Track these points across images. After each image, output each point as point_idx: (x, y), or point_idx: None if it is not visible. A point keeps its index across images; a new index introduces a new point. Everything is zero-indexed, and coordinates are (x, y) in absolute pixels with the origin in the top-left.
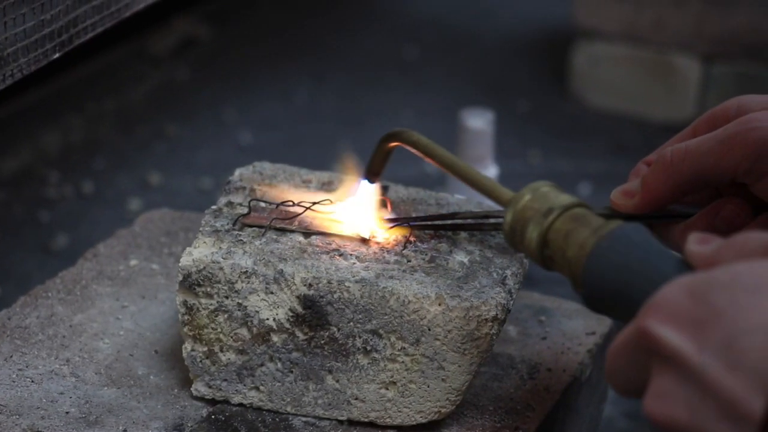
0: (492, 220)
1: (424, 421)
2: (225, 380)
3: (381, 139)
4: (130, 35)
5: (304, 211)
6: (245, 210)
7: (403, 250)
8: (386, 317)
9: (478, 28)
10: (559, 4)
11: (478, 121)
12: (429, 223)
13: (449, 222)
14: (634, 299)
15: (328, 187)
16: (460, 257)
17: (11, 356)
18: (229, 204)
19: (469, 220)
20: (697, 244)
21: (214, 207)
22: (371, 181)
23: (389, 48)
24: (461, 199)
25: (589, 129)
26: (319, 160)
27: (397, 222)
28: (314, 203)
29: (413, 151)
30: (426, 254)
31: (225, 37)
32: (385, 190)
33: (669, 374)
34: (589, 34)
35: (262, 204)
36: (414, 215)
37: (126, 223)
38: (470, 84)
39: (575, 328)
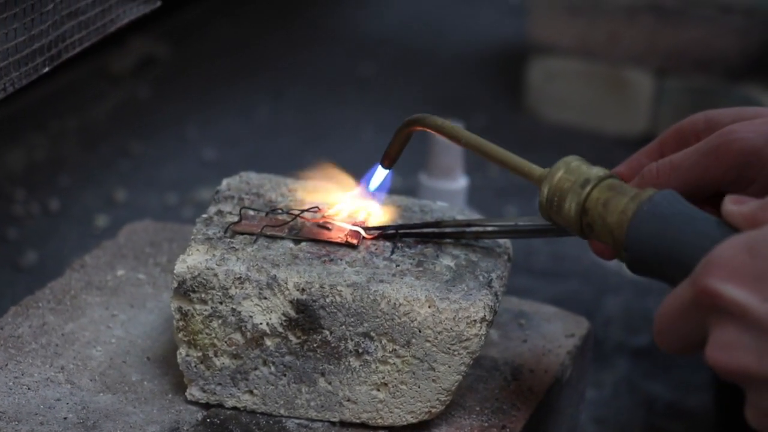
0: (473, 229)
1: (414, 421)
2: (219, 384)
3: (402, 125)
4: (90, 54)
5: (294, 218)
6: (235, 218)
7: (392, 254)
8: (377, 320)
9: (433, 45)
10: (513, 21)
11: None
12: (416, 231)
13: (434, 230)
14: (680, 260)
15: (313, 195)
16: (447, 261)
17: (6, 364)
18: (219, 212)
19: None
20: (733, 204)
21: (204, 215)
22: (386, 167)
23: (346, 65)
24: (444, 206)
25: (545, 143)
26: (282, 174)
27: (383, 230)
28: (303, 211)
29: (438, 135)
30: (414, 258)
31: (183, 55)
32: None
33: (732, 326)
34: (543, 49)
35: (251, 212)
36: (400, 222)
37: (94, 239)
38: (427, 100)
39: (554, 331)
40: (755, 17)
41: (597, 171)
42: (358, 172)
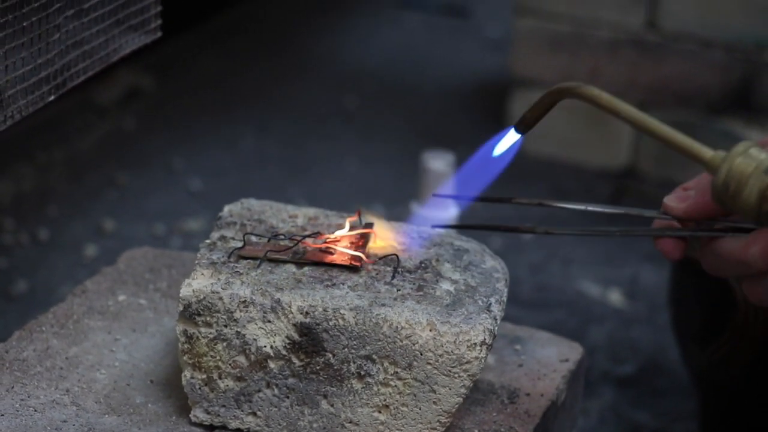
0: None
1: None
2: (223, 406)
3: (551, 90)
4: (76, 86)
5: (297, 243)
6: (238, 243)
7: (392, 279)
8: (379, 343)
9: (416, 79)
10: (495, 55)
11: (440, 163)
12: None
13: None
14: None
15: (314, 221)
16: (447, 286)
17: (12, 387)
18: (222, 238)
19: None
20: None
21: (208, 241)
22: (520, 131)
23: (330, 97)
24: (441, 232)
25: (529, 175)
26: None
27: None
28: (305, 236)
29: (595, 105)
30: (414, 283)
31: (168, 88)
32: (369, 225)
33: None
34: (526, 82)
35: (254, 238)
36: (400, 249)
37: (84, 268)
38: (411, 132)
39: (549, 356)
40: (735, 52)
41: None
42: (342, 203)
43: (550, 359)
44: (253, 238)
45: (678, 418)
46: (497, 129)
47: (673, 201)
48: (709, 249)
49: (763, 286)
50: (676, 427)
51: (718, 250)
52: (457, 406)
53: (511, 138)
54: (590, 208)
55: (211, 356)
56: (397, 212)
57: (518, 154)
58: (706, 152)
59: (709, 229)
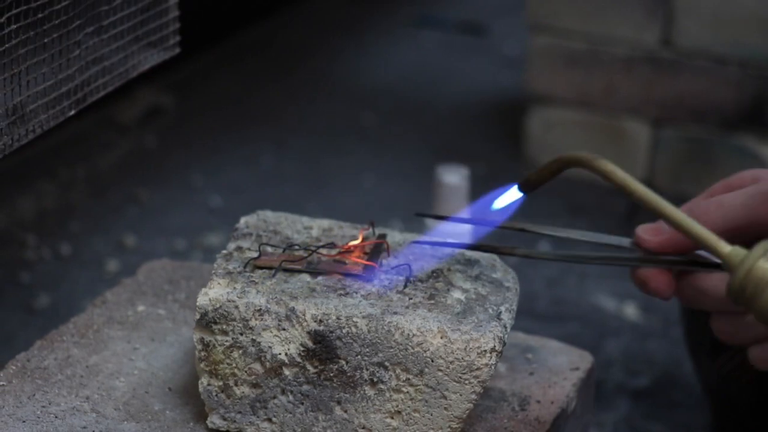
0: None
1: None
2: (239, 412)
3: (559, 157)
4: (97, 105)
5: (311, 254)
6: (254, 254)
7: (404, 288)
8: (392, 350)
9: (432, 96)
10: (510, 73)
11: (454, 177)
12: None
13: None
14: None
15: (329, 233)
16: (457, 295)
17: (34, 394)
18: (239, 248)
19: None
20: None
21: (224, 251)
22: (523, 191)
23: (347, 115)
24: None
25: (545, 191)
26: None
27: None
28: (319, 246)
29: (608, 180)
30: (426, 292)
31: (188, 106)
32: (383, 236)
33: None
34: (541, 99)
35: (269, 248)
36: (412, 258)
37: (105, 283)
38: (427, 148)
39: (560, 364)
40: (750, 69)
41: None
42: (359, 218)
43: (561, 368)
44: (269, 249)
45: (692, 430)
46: (513, 145)
47: (647, 233)
48: (688, 282)
49: (737, 324)
50: None
51: (699, 285)
52: (467, 411)
53: (512, 195)
54: (572, 236)
55: (228, 363)
56: (412, 227)
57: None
58: (724, 247)
59: (690, 262)
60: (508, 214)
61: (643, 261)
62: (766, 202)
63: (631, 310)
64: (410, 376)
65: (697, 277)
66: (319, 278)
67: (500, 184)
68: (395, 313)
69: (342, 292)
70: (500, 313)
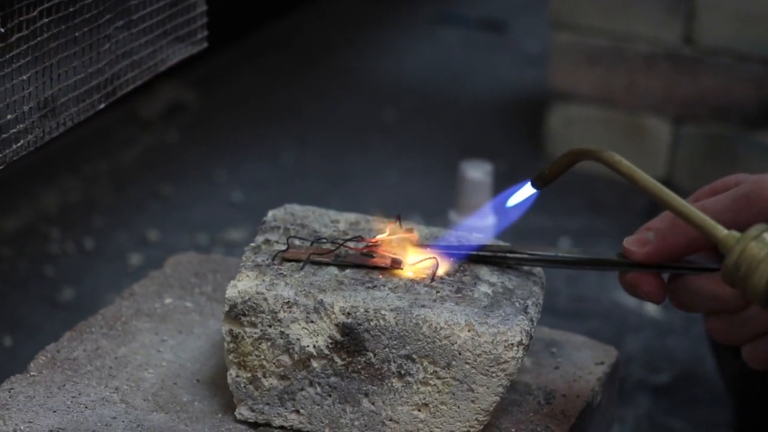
0: (515, 255)
1: None
2: (267, 404)
3: (570, 151)
4: (120, 100)
5: (338, 247)
6: (282, 246)
7: (432, 282)
8: (419, 343)
9: (454, 93)
10: (532, 70)
11: (478, 172)
12: (463, 253)
13: (480, 253)
14: None
15: (356, 226)
16: (484, 288)
17: (64, 385)
18: (267, 241)
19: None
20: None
21: (252, 244)
22: (537, 187)
23: (369, 111)
24: (480, 237)
25: (566, 187)
26: None
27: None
28: (347, 239)
29: (615, 171)
30: (453, 285)
31: (210, 102)
32: (410, 230)
33: None
34: (563, 96)
35: (297, 241)
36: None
37: (128, 276)
38: (449, 145)
39: (585, 359)
40: None
41: None
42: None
43: (586, 362)
44: (297, 242)
45: (713, 426)
46: (534, 142)
47: (633, 245)
48: (679, 285)
49: (730, 324)
50: None
51: (691, 287)
52: (494, 404)
53: (527, 191)
54: (560, 254)
55: (256, 355)
56: (435, 222)
57: None
58: (720, 231)
59: (678, 266)
60: (523, 209)
61: (635, 266)
62: (748, 204)
63: (651, 307)
64: (438, 369)
65: (689, 279)
66: (347, 271)
67: (522, 180)
68: (423, 306)
69: (370, 285)
70: (527, 306)
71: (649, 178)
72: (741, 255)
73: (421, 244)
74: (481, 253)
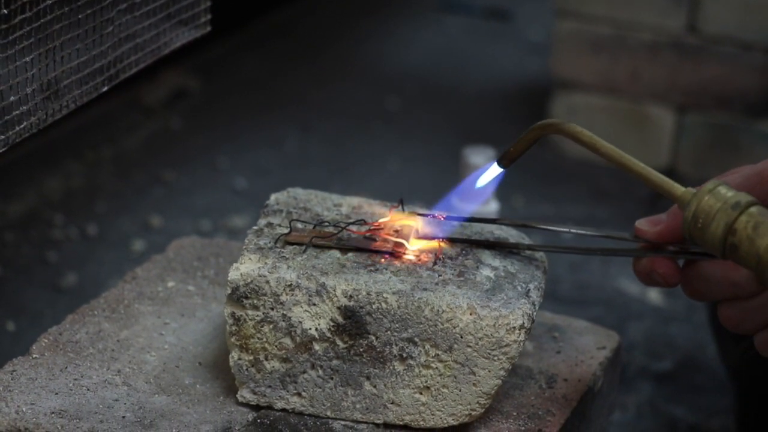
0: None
1: (455, 423)
2: (269, 387)
3: (534, 127)
4: (124, 86)
5: (341, 230)
6: (285, 230)
7: (434, 265)
8: (421, 326)
9: (457, 81)
10: (535, 58)
11: (480, 158)
12: (462, 239)
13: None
14: None
15: (358, 210)
16: (486, 272)
17: (66, 367)
18: (269, 225)
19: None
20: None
21: (255, 227)
22: (503, 166)
23: (372, 99)
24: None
25: (569, 175)
26: None
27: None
28: (349, 223)
29: (577, 141)
30: (455, 269)
31: (214, 88)
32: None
33: None
34: (566, 85)
35: (300, 225)
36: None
37: (131, 262)
38: (452, 132)
39: (586, 344)
40: None
41: (745, 196)
42: (384, 200)
43: (588, 346)
44: (299, 225)
45: (715, 413)
46: None
47: (645, 225)
48: (693, 272)
49: (743, 311)
50: (713, 422)
51: (705, 273)
52: (496, 388)
53: (493, 171)
54: (573, 230)
55: (258, 338)
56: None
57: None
58: (678, 188)
59: (688, 251)
60: (491, 189)
61: (644, 251)
62: (761, 182)
63: (654, 294)
64: (439, 352)
65: (702, 265)
66: (349, 254)
67: (523, 168)
68: (425, 289)
69: (372, 268)
70: (529, 290)
71: (610, 146)
72: (698, 207)
73: (426, 214)
74: (483, 240)
